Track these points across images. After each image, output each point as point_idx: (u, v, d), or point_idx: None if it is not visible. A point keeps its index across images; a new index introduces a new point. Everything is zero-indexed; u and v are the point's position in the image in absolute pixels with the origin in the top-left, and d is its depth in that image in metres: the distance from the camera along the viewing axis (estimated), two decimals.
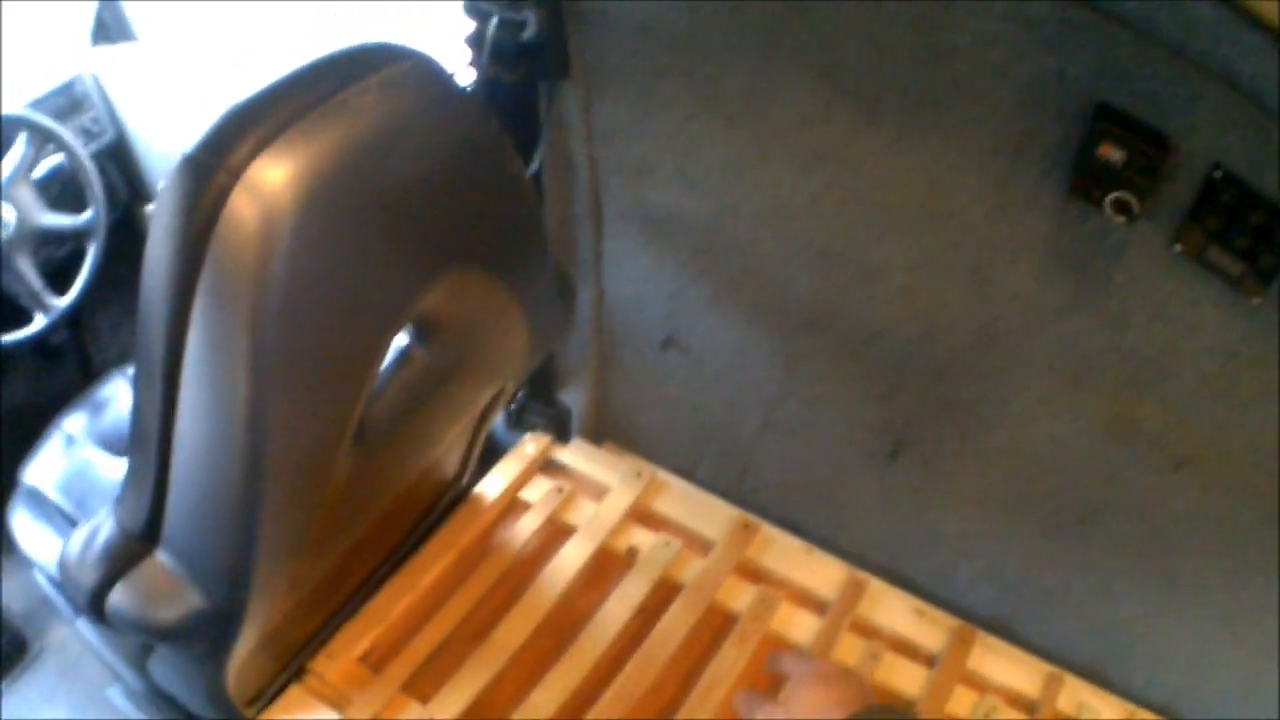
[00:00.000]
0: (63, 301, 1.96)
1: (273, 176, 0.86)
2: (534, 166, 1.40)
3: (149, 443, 0.97)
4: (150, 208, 2.27)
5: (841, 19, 1.13)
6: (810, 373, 1.54)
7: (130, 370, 1.77)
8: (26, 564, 1.55)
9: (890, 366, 1.46)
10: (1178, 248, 1.16)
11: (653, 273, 1.53)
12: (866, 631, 1.54)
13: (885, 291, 1.37)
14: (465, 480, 1.67)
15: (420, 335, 1.15)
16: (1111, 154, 1.11)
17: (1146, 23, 0.99)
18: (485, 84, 1.34)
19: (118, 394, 1.74)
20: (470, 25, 1.33)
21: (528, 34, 1.27)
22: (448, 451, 1.54)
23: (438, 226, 1.07)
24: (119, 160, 2.30)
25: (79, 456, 1.60)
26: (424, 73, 1.04)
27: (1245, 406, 1.24)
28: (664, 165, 1.36)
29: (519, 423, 1.83)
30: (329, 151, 0.90)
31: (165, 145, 2.22)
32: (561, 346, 1.72)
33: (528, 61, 1.31)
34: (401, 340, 1.15)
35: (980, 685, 1.47)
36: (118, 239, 2.11)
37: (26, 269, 1.86)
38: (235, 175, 0.85)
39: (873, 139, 1.21)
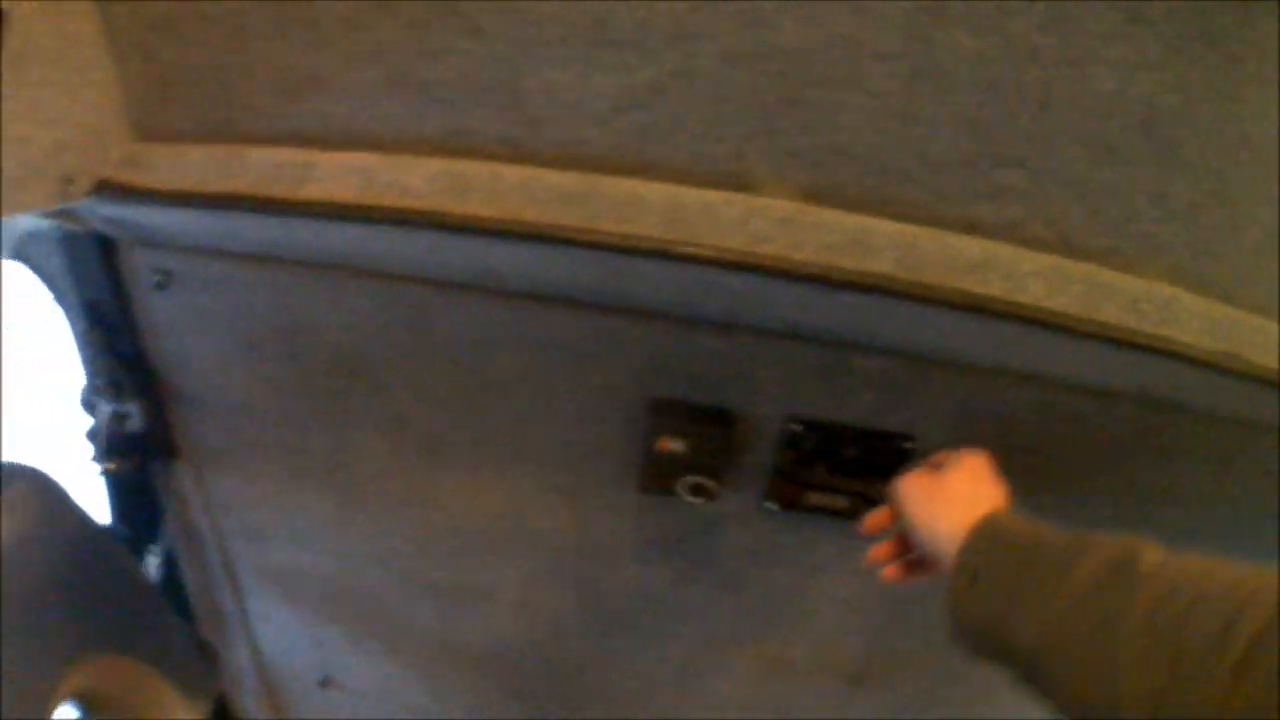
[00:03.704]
0: None
1: None
2: (163, 541, 1.50)
3: None
4: None
5: (395, 375, 1.22)
6: (455, 689, 1.62)
7: None
8: None
9: (526, 670, 1.55)
10: (771, 505, 1.20)
11: (294, 622, 1.61)
12: None
13: (501, 609, 1.47)
14: None
15: (84, 708, 1.27)
16: (672, 445, 1.16)
17: (689, 309, 1.06)
18: (105, 474, 1.44)
19: None
20: (89, 420, 1.44)
21: (132, 425, 1.38)
22: None
23: (68, 618, 1.19)
24: None
25: None
26: (40, 490, 1.19)
27: (899, 616, 1.31)
28: (277, 527, 1.46)
29: None
30: None
31: None
32: (235, 697, 1.76)
33: (139, 449, 1.42)
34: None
35: None
36: None
37: None
38: None
39: (449, 478, 1.32)
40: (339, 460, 1.35)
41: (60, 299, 1.43)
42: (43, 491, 1.19)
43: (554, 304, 1.10)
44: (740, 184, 0.93)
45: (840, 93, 0.86)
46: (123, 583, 1.29)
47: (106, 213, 1.18)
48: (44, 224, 1.31)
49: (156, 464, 1.45)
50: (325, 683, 1.67)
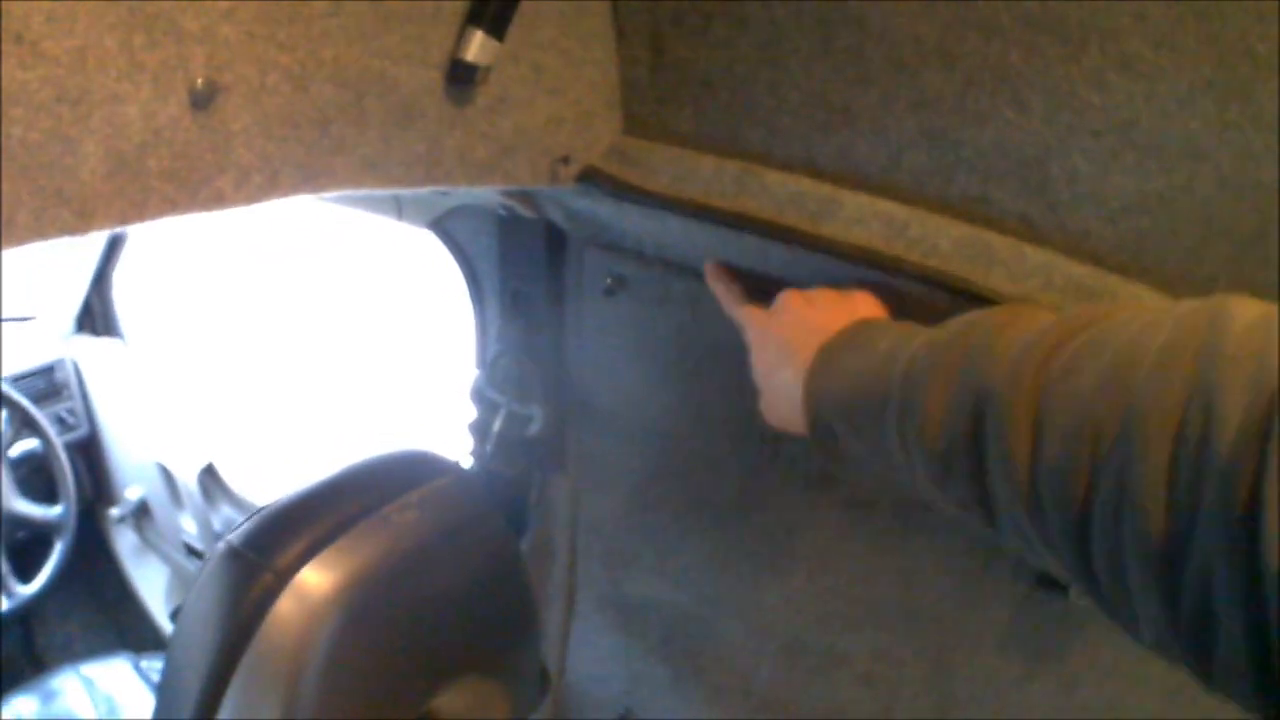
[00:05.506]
0: (26, 590, 1.98)
1: (318, 585, 0.92)
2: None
3: None
4: (114, 511, 2.27)
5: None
6: None
7: (84, 668, 1.86)
8: None
9: None
10: None
11: (618, 653, 1.52)
12: None
13: (847, 677, 1.36)
14: None
15: None
16: None
17: None
18: (484, 475, 1.36)
19: (68, 689, 1.79)
20: (472, 413, 1.37)
21: (533, 429, 1.31)
22: None
23: (457, 637, 1.12)
24: (88, 456, 2.30)
25: None
26: (461, 491, 1.11)
27: None
28: (645, 558, 1.38)
29: None
30: (371, 565, 0.96)
31: (135, 450, 2.21)
32: None
33: (527, 455, 1.35)
34: None
35: None
36: (77, 534, 2.11)
37: None
38: (282, 579, 0.91)
39: (855, 544, 1.23)
40: (748, 508, 1.26)
41: (473, 283, 1.37)
42: (465, 491, 1.11)
43: None
44: None
45: None
46: (515, 600, 1.20)
47: (578, 205, 1.10)
48: (486, 201, 1.25)
49: (537, 474, 1.38)
50: (624, 718, 1.60)
